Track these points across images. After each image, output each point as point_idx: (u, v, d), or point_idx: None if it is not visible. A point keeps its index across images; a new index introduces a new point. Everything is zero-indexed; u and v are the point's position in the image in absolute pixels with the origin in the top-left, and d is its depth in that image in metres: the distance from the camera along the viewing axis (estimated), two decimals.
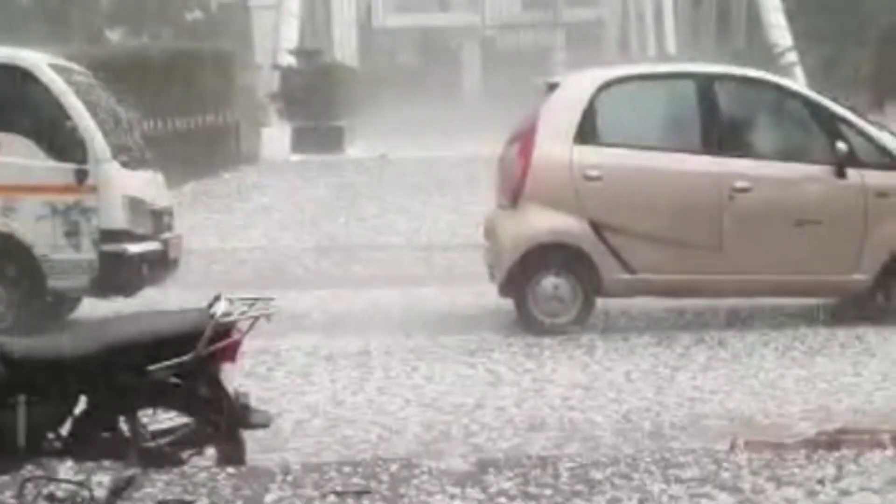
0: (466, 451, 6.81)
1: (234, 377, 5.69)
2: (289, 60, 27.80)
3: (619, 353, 9.37)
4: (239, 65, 25.06)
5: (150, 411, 5.65)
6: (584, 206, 10.18)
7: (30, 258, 10.13)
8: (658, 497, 4.69)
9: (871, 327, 10.02)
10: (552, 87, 10.91)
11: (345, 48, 39.22)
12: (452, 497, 4.75)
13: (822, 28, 28.68)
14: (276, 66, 27.85)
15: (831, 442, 5.83)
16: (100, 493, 4.86)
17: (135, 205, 10.39)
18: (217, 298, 5.71)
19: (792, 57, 26.97)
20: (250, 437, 5.91)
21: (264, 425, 5.84)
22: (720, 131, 10.55)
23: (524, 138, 10.48)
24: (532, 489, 4.79)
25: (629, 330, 10.29)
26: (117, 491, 4.90)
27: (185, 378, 5.56)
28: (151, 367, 5.49)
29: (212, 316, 5.56)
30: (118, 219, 10.22)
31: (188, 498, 4.87)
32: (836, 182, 10.28)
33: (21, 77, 10.29)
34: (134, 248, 10.28)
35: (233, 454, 5.63)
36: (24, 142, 10.19)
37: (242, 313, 5.63)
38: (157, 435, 5.62)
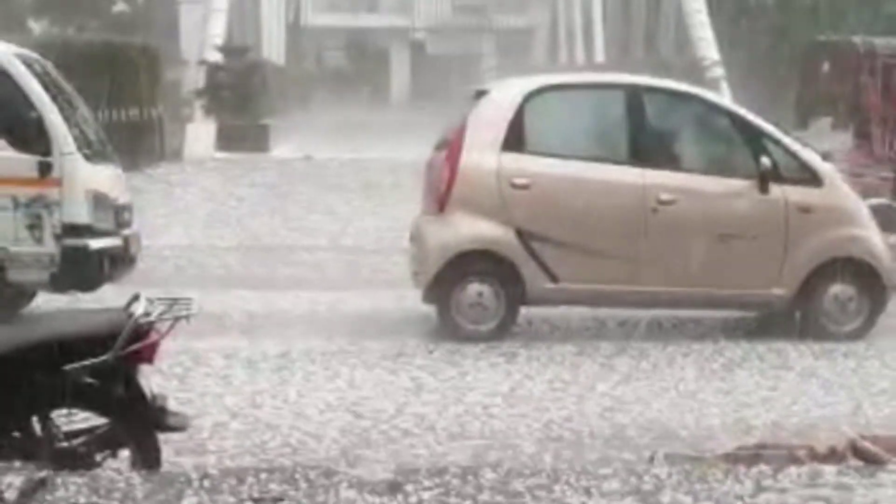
0: (386, 458, 6.78)
1: (152, 379, 5.60)
2: (215, 57, 27.55)
3: (540, 362, 9.38)
4: (165, 59, 24.79)
5: (64, 412, 5.54)
6: (510, 215, 10.18)
7: None
8: None
9: (789, 342, 10.14)
10: (481, 93, 10.91)
11: (272, 46, 38.97)
12: None
13: (747, 43, 29.06)
14: (202, 62, 27.59)
15: (750, 457, 5.87)
16: (10, 494, 4.75)
17: (98, 199, 10.21)
18: (136, 298, 5.61)
19: (719, 71, 27.28)
20: (167, 440, 5.81)
21: (181, 428, 5.75)
22: (647, 143, 10.62)
23: (451, 145, 10.46)
24: (452, 500, 4.76)
25: (552, 339, 10.31)
26: (28, 493, 4.79)
27: (101, 378, 5.45)
28: (67, 367, 5.38)
29: (130, 316, 5.46)
30: (81, 213, 10.04)
31: (101, 502, 4.77)
32: (758, 197, 10.39)
33: None
34: (96, 243, 10.10)
35: (148, 457, 5.53)
36: None
37: (161, 314, 5.53)
38: (70, 436, 5.51)
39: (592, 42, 41.86)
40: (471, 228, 10.21)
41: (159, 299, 5.60)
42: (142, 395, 5.50)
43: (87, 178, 10.18)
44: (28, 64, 10.36)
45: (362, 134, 28.66)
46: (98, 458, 5.52)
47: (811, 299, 10.38)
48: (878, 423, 7.70)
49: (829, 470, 5.26)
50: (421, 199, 11.09)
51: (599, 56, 40.31)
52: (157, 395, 5.57)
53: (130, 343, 5.42)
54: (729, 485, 4.97)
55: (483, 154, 10.27)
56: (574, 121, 10.80)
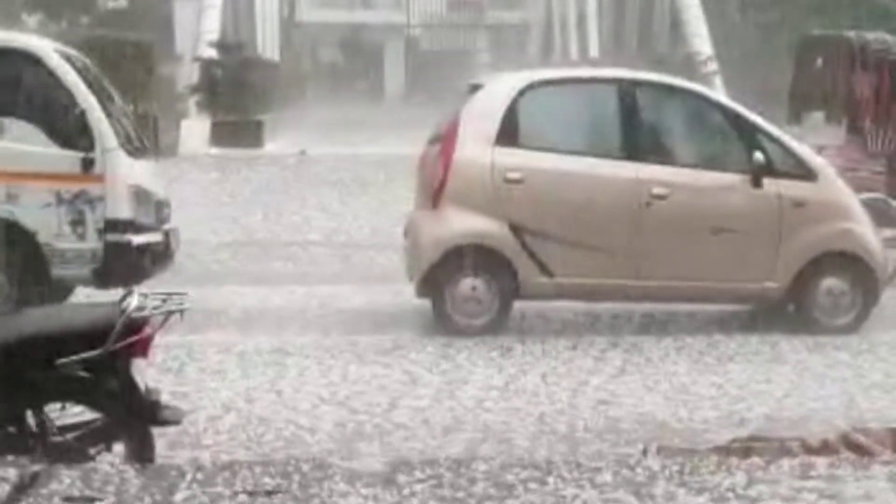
0: (380, 451, 6.80)
1: (146, 373, 5.61)
2: (210, 53, 27.51)
3: (534, 356, 9.40)
4: (159, 55, 24.75)
5: (58, 406, 5.55)
6: (504, 209, 10.19)
7: (33, 246, 9.92)
8: (571, 501, 4.69)
9: (782, 335, 10.16)
10: (475, 88, 10.91)
11: (267, 42, 38.89)
12: (365, 498, 4.71)
13: (741, 38, 29.07)
14: (196, 58, 27.54)
15: (743, 449, 5.88)
16: (4, 488, 4.76)
17: (140, 195, 10.25)
18: (129, 293, 5.63)
19: (712, 66, 27.30)
20: (160, 434, 5.82)
21: (175, 422, 5.77)
22: (640, 137, 10.63)
23: (445, 139, 10.46)
24: (446, 492, 4.77)
25: (545, 333, 10.32)
26: (22, 487, 4.79)
27: (94, 373, 5.47)
28: (60, 361, 5.40)
29: (123, 310, 5.48)
30: (124, 209, 10.06)
31: (95, 495, 4.78)
32: (751, 191, 10.40)
33: (29, 62, 10.09)
34: (138, 238, 10.14)
35: (142, 451, 5.55)
36: (31, 128, 10.01)
37: (155, 308, 5.55)
38: (64, 430, 5.53)
39: (586, 37, 41.80)
40: (464, 223, 10.22)
41: (153, 294, 5.62)
42: (135, 389, 5.51)
43: (129, 174, 10.21)
44: (69, 60, 10.37)
45: (357, 129, 28.63)
46: (92, 451, 5.53)
47: (804, 293, 10.40)
48: (870, 416, 7.72)
49: (821, 462, 5.27)
50: (415, 194, 11.10)
51: (593, 51, 40.25)
52: (151, 389, 5.58)
53: (124, 337, 5.44)
54: (721, 477, 4.98)
55: (477, 148, 10.28)
56: (568, 115, 10.81)
